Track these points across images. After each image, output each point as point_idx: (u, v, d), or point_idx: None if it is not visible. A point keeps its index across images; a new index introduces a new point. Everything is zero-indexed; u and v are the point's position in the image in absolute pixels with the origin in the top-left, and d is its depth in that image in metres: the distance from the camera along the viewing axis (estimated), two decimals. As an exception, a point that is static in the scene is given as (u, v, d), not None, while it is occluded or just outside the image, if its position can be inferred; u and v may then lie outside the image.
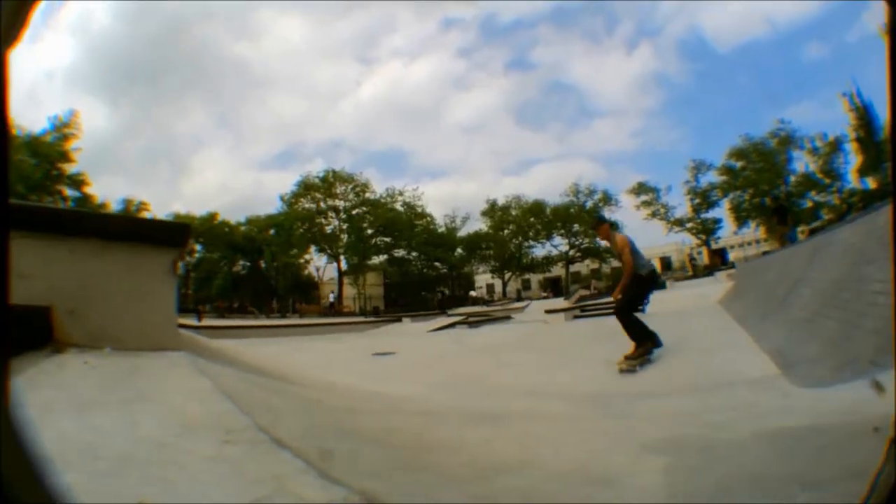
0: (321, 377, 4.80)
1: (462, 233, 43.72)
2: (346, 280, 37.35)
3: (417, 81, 57.22)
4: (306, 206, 36.06)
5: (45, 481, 0.75)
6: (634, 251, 5.58)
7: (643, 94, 54.59)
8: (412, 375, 6.18)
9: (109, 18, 49.73)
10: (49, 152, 25.85)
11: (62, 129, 26.96)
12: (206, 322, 17.31)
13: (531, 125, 62.91)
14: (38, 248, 2.35)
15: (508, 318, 16.73)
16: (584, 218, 40.05)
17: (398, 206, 39.20)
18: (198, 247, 33.93)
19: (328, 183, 36.85)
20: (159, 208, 35.23)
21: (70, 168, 27.15)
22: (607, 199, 42.72)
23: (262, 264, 36.08)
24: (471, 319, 16.58)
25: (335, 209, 36.40)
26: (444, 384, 5.39)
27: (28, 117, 34.32)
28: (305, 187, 36.43)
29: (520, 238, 42.47)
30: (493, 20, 57.28)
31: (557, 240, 43.68)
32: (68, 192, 27.50)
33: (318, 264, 38.74)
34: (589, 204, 42.21)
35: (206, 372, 2.42)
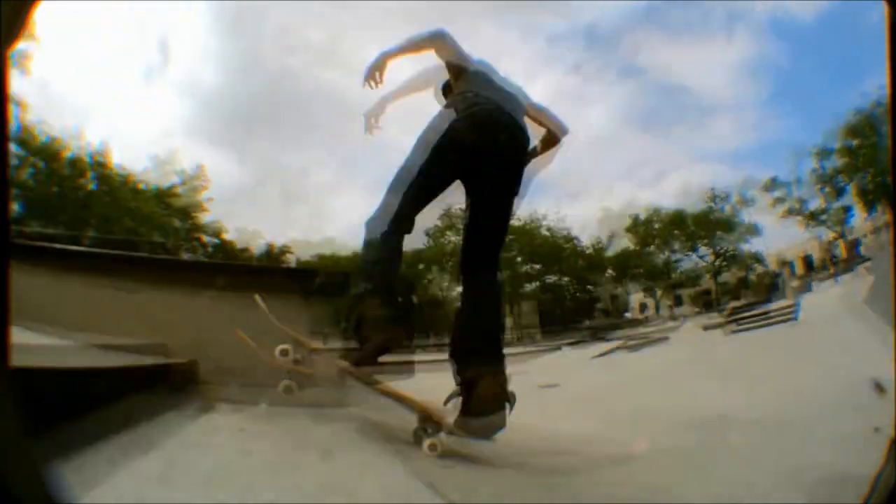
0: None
1: (608, 251, 42.50)
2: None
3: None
4: (453, 238, 35.57)
5: (45, 481, 0.75)
6: None
7: (747, 83, 53.34)
8: (584, 409, 5.40)
9: (219, 76, 49.66)
10: (181, 204, 27.47)
11: (190, 182, 28.40)
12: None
13: (653, 132, 62.10)
14: (181, 301, 2.38)
15: (666, 338, 16.01)
16: (725, 224, 38.91)
17: (544, 231, 38.91)
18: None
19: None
20: (302, 250, 34.22)
21: (204, 217, 28.64)
22: (743, 200, 40.08)
23: (415, 300, 36.12)
24: (629, 343, 15.93)
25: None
26: (622, 418, 4.64)
27: (155, 174, 35.11)
28: (450, 220, 36.51)
29: (666, 252, 41.65)
30: (594, 31, 56.75)
31: (702, 250, 41.62)
32: (206, 238, 28.80)
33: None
34: (726, 208, 40.54)
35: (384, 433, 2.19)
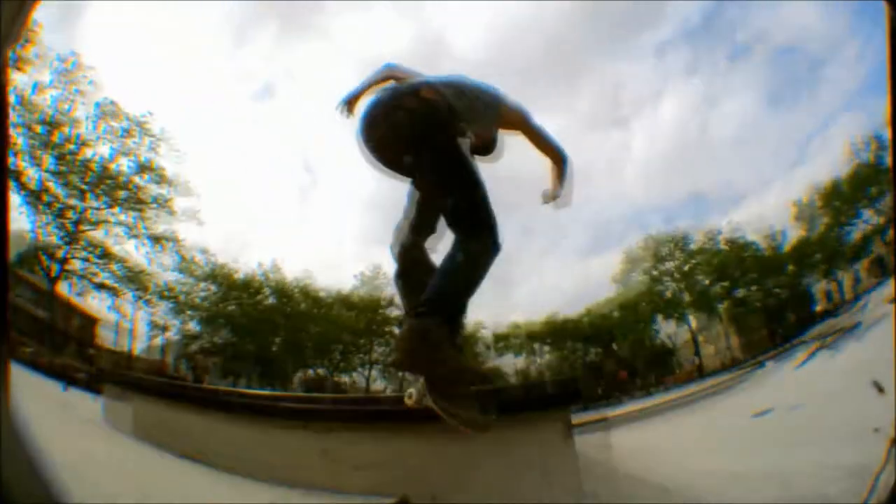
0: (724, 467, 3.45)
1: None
2: (702, 338, 35.66)
3: (676, 116, 55.38)
4: (638, 278, 35.95)
5: (45, 482, 0.75)
6: None
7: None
8: (816, 437, 4.18)
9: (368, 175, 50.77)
10: (366, 304, 28.87)
11: (370, 282, 29.87)
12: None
13: (782, 105, 59.39)
14: (384, 437, 2.21)
15: (856, 324, 13.49)
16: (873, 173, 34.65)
17: (722, 246, 37.55)
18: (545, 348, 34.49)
19: (650, 250, 36.13)
20: (497, 323, 34.09)
21: (392, 311, 29.32)
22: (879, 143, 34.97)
23: (615, 347, 36.03)
24: (826, 341, 14.20)
25: (667, 273, 36.06)
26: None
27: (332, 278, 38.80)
28: (630, 261, 36.15)
29: (834, 229, 38.21)
30: (688, 23, 54.73)
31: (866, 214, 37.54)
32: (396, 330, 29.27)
33: (668, 331, 37.20)
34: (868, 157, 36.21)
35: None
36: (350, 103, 2.51)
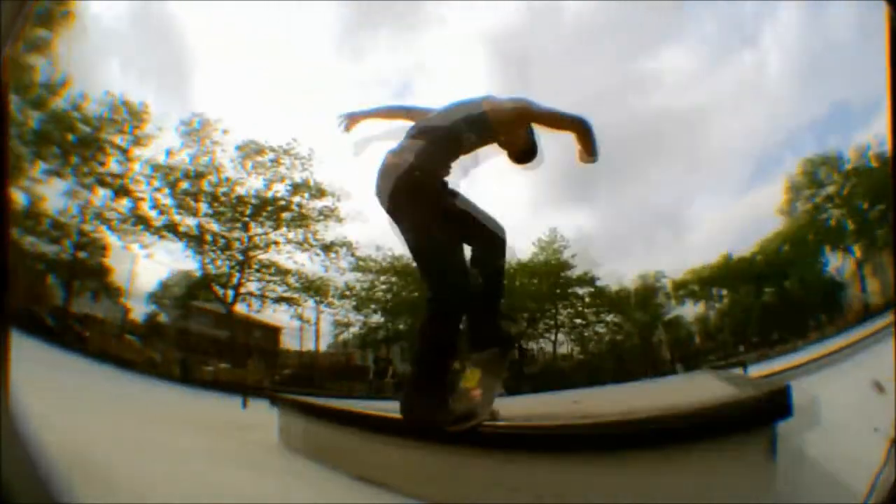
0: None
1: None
2: (867, 270, 30.45)
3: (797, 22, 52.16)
4: (801, 208, 32.47)
5: (45, 481, 0.75)
6: None
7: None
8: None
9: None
10: (547, 269, 29.18)
11: (548, 247, 29.94)
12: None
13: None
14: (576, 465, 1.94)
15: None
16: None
17: (872, 163, 31.65)
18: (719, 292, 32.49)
19: (808, 175, 32.54)
20: (675, 270, 33.08)
21: (574, 272, 29.52)
22: None
23: (789, 285, 33.02)
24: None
25: (828, 197, 32.44)
26: None
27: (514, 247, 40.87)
28: (792, 190, 32.56)
29: None
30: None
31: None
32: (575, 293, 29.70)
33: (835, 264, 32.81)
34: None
35: None
36: (351, 120, 3.02)
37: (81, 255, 23.53)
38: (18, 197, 21.43)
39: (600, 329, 28.97)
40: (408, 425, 2.38)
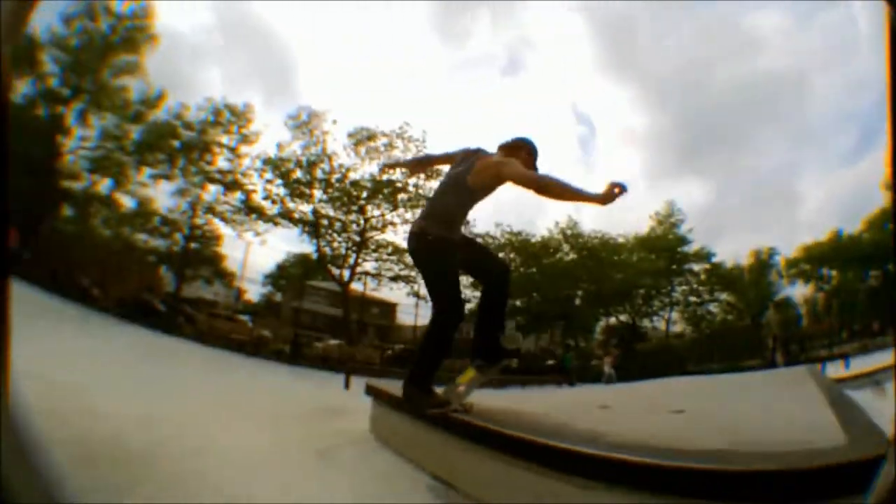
0: None
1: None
2: None
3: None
4: None
5: (44, 481, 0.77)
6: None
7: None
8: None
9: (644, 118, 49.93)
10: (664, 244, 28.63)
11: (666, 220, 29.36)
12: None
13: None
14: None
15: None
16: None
17: None
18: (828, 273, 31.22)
19: None
20: (786, 248, 32.50)
21: (690, 247, 29.20)
22: None
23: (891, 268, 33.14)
24: None
25: None
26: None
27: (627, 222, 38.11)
28: None
29: None
30: None
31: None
32: (691, 269, 29.30)
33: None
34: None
35: None
36: (388, 167, 6.77)
37: (193, 245, 24.60)
38: (125, 201, 23.23)
39: (713, 308, 29.22)
40: (405, 404, 3.03)
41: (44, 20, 21.34)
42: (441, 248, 2.98)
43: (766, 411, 3.06)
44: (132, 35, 22.53)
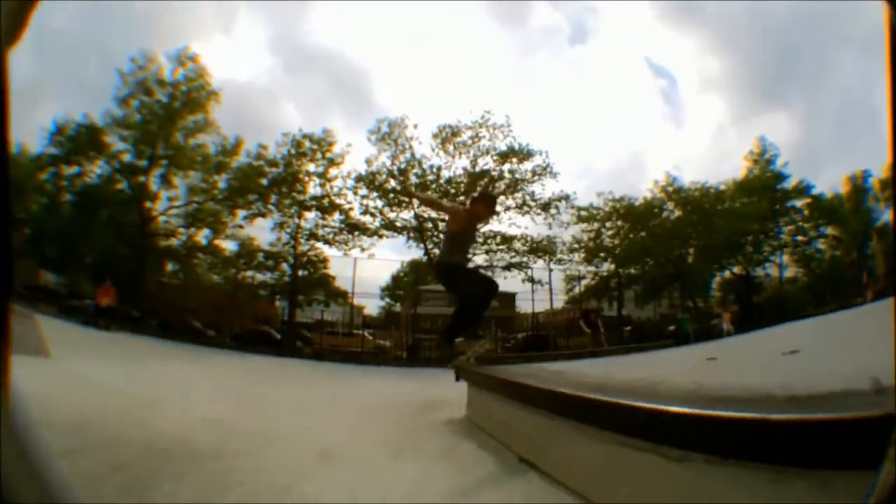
0: None
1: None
2: None
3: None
4: None
5: (45, 481, 0.77)
6: None
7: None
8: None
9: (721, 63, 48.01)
10: (763, 184, 27.81)
11: (760, 159, 28.59)
12: None
13: None
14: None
15: None
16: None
17: None
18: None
19: None
20: (878, 168, 29.76)
21: (788, 183, 28.31)
22: None
23: None
24: None
25: None
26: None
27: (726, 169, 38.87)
28: None
29: None
30: None
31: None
32: (793, 206, 28.26)
33: None
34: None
35: None
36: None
37: (301, 272, 25.48)
38: (226, 244, 25.19)
39: (821, 244, 28.36)
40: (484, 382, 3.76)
41: (97, 106, 24.26)
42: (456, 273, 4.68)
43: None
44: (192, 97, 23.97)
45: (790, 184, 27.74)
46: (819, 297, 27.00)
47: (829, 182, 41.87)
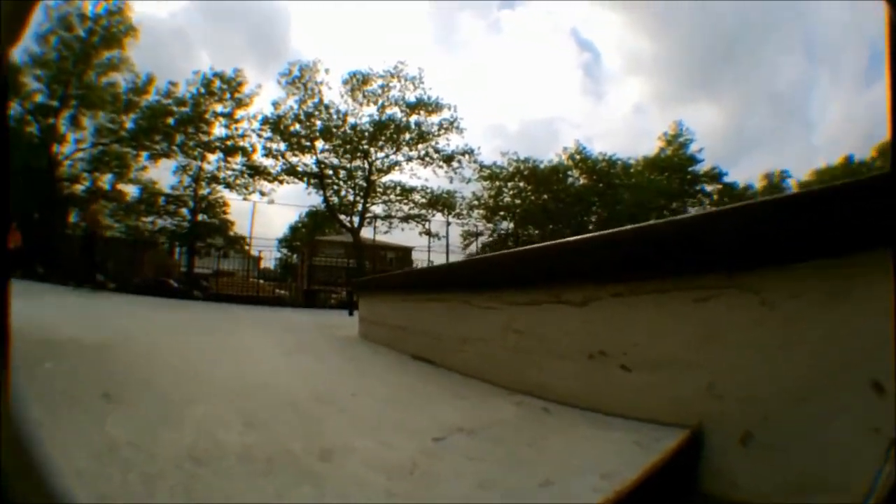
0: None
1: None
2: None
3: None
4: None
5: (45, 482, 0.79)
6: None
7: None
8: None
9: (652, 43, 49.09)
10: (674, 164, 29.04)
11: (674, 140, 29.58)
12: None
13: None
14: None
15: None
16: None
17: None
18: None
19: None
20: (798, 171, 34.07)
21: (700, 167, 29.86)
22: None
23: None
24: None
25: None
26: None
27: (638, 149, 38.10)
28: None
29: None
30: None
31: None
32: (703, 189, 30.00)
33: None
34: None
35: None
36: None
37: (201, 217, 25.36)
38: (129, 189, 24.07)
39: None
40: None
41: (19, 49, 21.76)
42: None
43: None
44: (111, 32, 22.95)
45: (702, 169, 29.46)
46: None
47: (745, 175, 44.92)
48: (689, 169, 29.23)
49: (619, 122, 46.29)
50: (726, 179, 29.78)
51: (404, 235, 27.81)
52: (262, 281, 24.64)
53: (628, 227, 1.51)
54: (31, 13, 0.85)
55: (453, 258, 28.08)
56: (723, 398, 1.23)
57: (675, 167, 29.02)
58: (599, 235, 1.64)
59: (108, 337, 3.57)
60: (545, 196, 28.41)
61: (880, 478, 0.93)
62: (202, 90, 24.60)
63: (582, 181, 29.11)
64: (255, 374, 2.59)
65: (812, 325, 1.11)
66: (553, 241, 1.72)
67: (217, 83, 24.69)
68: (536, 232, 28.78)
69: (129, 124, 23.78)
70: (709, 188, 29.79)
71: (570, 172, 29.09)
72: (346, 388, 2.29)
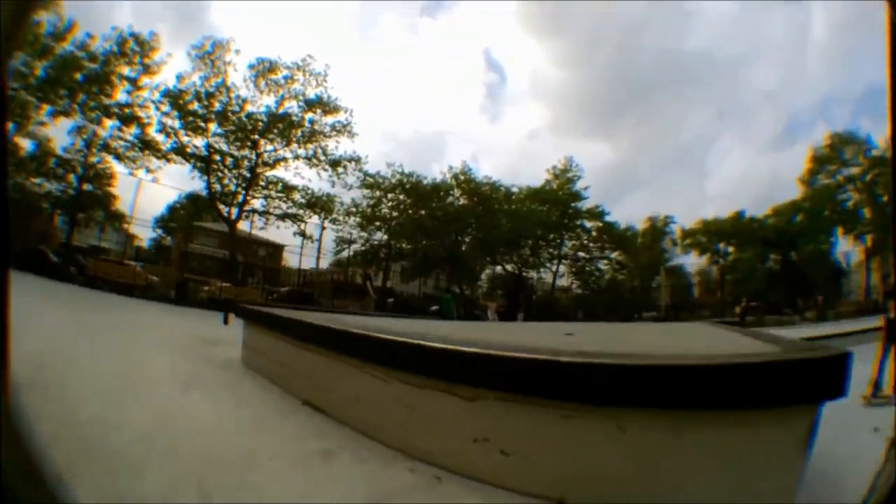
0: None
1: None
2: (874, 264, 30.75)
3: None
4: (825, 181, 32.30)
5: (45, 481, 0.80)
6: None
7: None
8: None
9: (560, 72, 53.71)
10: (557, 198, 30.08)
11: (562, 175, 30.75)
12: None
13: None
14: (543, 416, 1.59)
15: None
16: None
17: None
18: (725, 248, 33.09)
19: (834, 150, 32.10)
20: (685, 218, 34.91)
21: (584, 204, 30.71)
22: None
23: (795, 257, 33.04)
24: None
25: (850, 179, 31.66)
26: None
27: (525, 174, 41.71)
28: (816, 160, 32.52)
29: None
30: None
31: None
32: (583, 225, 30.76)
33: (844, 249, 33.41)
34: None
35: None
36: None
37: (87, 187, 24.88)
38: (24, 143, 23.00)
39: (602, 265, 30.92)
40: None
41: None
42: None
43: (673, 339, 3.67)
44: None
45: (585, 206, 30.18)
46: (591, 310, 29.11)
47: (629, 214, 45.17)
48: (573, 204, 29.82)
49: (511, 144, 47.11)
50: (608, 219, 30.26)
51: (279, 233, 27.50)
52: (136, 265, 24.38)
53: (517, 353, 1.73)
54: (30, 17, 1.57)
55: (324, 263, 28.86)
56: (581, 478, 1.55)
57: (558, 200, 29.56)
58: (493, 354, 1.82)
59: None
60: (423, 212, 28.62)
61: (880, 478, 0.95)
62: (115, 49, 24.31)
63: (463, 201, 29.48)
64: (139, 423, 2.27)
65: (647, 447, 1.48)
66: (445, 346, 1.89)
67: (132, 43, 24.50)
68: (408, 246, 28.88)
69: (39, 72, 23.13)
70: (589, 224, 30.30)
71: (452, 192, 29.47)
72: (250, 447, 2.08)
